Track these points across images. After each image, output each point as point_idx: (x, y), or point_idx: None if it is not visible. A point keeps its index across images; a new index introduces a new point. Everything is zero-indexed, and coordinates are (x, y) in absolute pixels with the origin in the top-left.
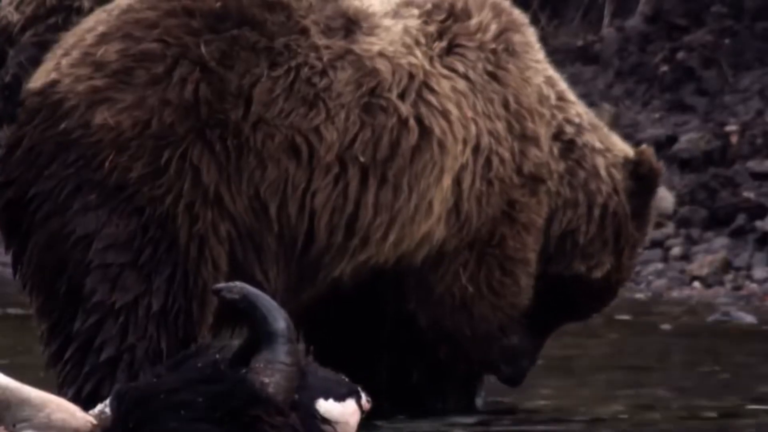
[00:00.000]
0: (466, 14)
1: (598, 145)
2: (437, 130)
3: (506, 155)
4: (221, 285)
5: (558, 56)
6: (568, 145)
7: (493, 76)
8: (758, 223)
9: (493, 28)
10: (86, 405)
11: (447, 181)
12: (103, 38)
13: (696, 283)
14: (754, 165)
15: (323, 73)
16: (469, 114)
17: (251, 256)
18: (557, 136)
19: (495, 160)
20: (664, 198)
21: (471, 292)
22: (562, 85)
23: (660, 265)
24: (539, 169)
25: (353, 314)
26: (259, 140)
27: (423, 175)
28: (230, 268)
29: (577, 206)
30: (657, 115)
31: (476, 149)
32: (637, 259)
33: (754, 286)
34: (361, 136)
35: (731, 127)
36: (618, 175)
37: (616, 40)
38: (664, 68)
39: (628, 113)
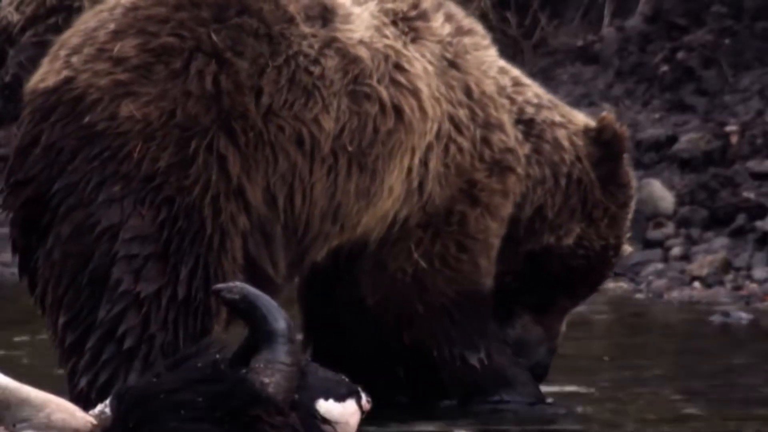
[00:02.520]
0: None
1: (558, 119)
2: (407, 109)
3: (465, 144)
4: (221, 285)
5: (558, 56)
6: (529, 124)
7: (452, 64)
8: (758, 223)
9: (447, 26)
10: (100, 394)
11: (414, 159)
12: (117, 35)
13: (696, 283)
14: (754, 165)
15: (316, 61)
16: (436, 94)
17: (263, 248)
18: (519, 119)
19: (452, 147)
20: (664, 198)
21: (423, 267)
22: (515, 71)
23: (660, 265)
24: (504, 155)
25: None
26: (272, 132)
27: (392, 157)
28: (244, 261)
29: (545, 182)
30: (657, 115)
31: (439, 131)
32: (623, 226)
33: (754, 286)
34: (349, 124)
35: (731, 127)
36: (580, 143)
37: (616, 40)
38: (664, 68)
39: (628, 113)
